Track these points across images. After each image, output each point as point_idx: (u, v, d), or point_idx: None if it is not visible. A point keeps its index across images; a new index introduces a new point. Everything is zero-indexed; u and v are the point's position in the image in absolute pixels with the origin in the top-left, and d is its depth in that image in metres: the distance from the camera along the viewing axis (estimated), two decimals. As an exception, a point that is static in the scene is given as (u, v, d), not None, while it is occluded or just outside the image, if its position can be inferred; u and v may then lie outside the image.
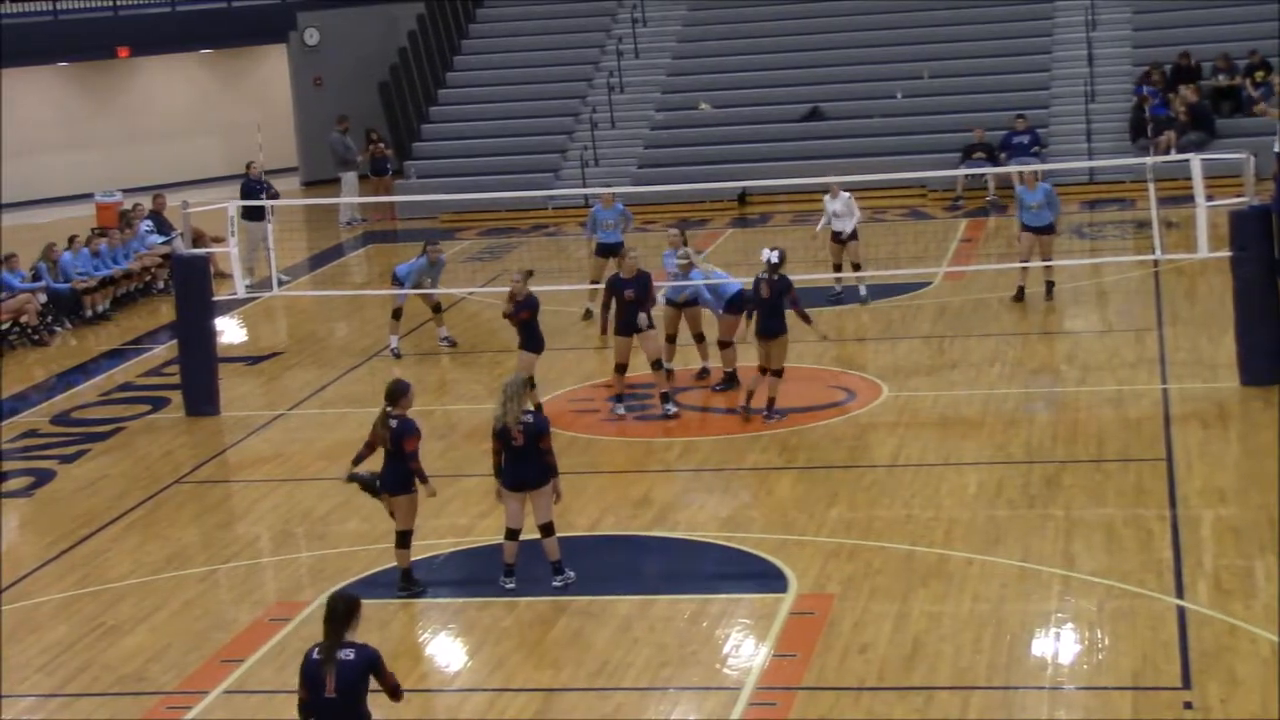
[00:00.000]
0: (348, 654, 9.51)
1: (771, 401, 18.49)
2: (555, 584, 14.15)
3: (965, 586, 13.68)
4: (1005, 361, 20.64)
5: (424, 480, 14.00)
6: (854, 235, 23.58)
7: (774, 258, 18.34)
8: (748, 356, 20.80)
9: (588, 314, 23.94)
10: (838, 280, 23.74)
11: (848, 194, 23.67)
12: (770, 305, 18.30)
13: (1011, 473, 16.38)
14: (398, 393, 14.00)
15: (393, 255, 29.46)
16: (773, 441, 17.91)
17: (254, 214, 26.22)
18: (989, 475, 16.35)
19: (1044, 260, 22.64)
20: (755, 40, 37.13)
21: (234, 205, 21.69)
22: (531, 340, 19.00)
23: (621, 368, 19.22)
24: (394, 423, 13.93)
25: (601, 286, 23.83)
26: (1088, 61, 34.16)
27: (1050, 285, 22.63)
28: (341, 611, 9.60)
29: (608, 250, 23.91)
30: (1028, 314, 22.40)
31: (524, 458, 13.96)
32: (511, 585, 14.18)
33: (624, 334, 19.07)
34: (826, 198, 23.83)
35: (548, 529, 14.15)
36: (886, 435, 17.90)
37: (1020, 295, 22.86)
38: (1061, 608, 13.21)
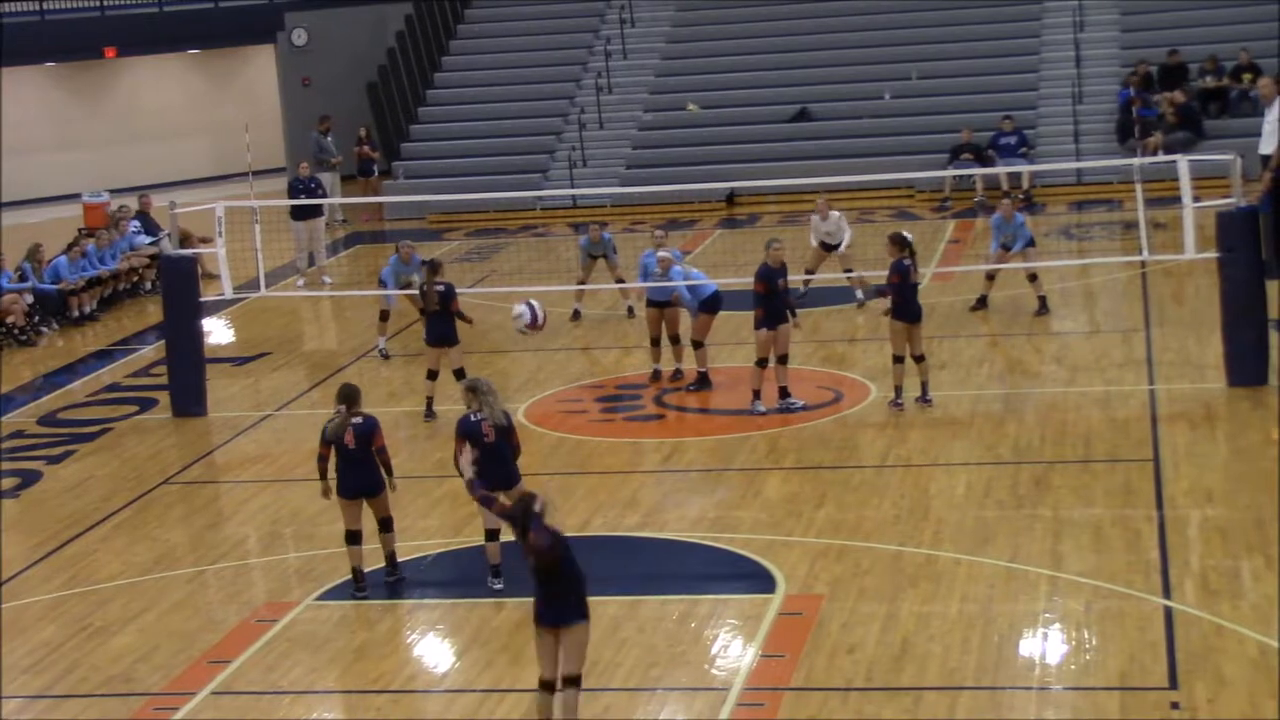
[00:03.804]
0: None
1: (924, 386, 18.57)
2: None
3: (954, 587, 13.68)
4: (993, 362, 20.67)
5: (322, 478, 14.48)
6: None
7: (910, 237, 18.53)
8: (723, 357, 20.83)
9: (575, 315, 23.92)
10: (805, 283, 23.64)
11: (838, 213, 23.52)
12: (913, 288, 18.42)
13: (1000, 473, 16.38)
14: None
15: (379, 256, 29.42)
16: (761, 442, 17.91)
17: (300, 214, 27.89)
18: (977, 476, 16.35)
19: (1028, 273, 22.40)
20: (743, 41, 37.13)
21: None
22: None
23: (764, 362, 18.78)
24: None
25: (587, 288, 23.88)
26: (1075, 63, 34.21)
27: (1043, 300, 22.30)
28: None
29: (595, 256, 23.92)
30: (1016, 315, 22.37)
31: (495, 457, 13.92)
32: (499, 585, 14.17)
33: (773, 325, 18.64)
34: (815, 218, 23.61)
35: None
36: (875, 436, 17.90)
37: (982, 303, 22.74)
38: (1049, 608, 13.21)
